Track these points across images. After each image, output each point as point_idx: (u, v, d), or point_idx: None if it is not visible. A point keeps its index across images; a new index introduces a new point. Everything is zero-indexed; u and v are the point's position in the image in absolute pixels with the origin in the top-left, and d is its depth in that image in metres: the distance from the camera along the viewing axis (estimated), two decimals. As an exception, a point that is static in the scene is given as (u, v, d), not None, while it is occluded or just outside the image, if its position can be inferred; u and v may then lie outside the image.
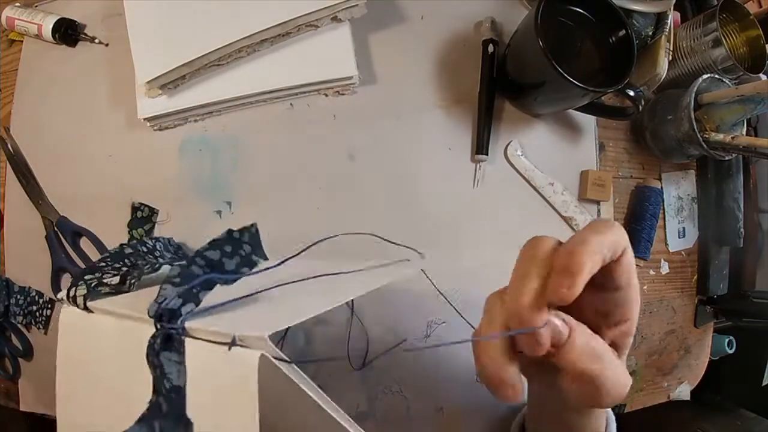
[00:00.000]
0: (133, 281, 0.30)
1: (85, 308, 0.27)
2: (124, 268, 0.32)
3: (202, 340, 0.22)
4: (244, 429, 0.20)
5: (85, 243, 0.48)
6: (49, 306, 0.48)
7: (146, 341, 0.23)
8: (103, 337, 0.26)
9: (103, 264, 0.32)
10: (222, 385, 0.21)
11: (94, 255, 0.48)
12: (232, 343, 0.21)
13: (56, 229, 0.48)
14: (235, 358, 0.20)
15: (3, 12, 0.49)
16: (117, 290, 0.29)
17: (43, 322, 0.48)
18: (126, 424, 0.21)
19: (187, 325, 0.22)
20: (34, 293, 0.48)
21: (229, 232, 0.25)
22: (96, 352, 0.27)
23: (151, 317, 0.23)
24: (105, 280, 0.29)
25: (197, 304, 0.23)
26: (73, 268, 0.47)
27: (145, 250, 0.38)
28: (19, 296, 0.48)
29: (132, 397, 0.24)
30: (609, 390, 0.24)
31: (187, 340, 0.22)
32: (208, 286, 0.24)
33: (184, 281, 0.23)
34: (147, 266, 0.33)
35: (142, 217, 0.47)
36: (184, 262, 0.24)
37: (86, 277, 0.29)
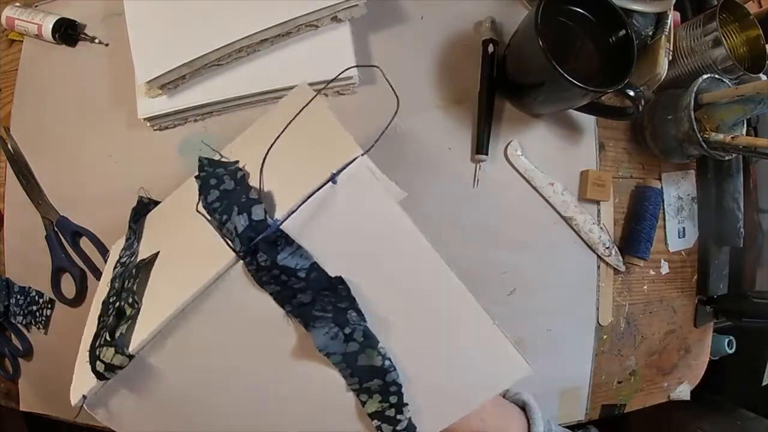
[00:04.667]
0: (130, 300, 0.30)
1: (130, 356, 0.27)
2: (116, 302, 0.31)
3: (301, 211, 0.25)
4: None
5: (85, 243, 0.48)
6: (49, 306, 0.48)
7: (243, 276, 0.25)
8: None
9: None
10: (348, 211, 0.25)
11: (94, 255, 0.48)
12: (332, 179, 0.24)
13: (56, 229, 0.48)
14: (344, 185, 0.25)
15: (3, 12, 0.49)
16: (125, 319, 0.29)
17: (43, 322, 0.48)
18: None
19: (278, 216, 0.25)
20: (34, 293, 0.48)
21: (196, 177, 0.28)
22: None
23: (240, 251, 0.25)
24: (109, 329, 0.29)
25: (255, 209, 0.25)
26: (73, 268, 0.47)
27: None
28: (19, 296, 0.48)
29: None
30: None
31: (292, 225, 0.25)
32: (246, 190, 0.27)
33: (227, 205, 0.26)
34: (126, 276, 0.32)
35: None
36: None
37: (97, 346, 0.28)
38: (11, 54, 0.51)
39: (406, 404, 0.30)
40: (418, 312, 0.29)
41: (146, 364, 0.27)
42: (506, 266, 0.51)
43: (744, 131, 0.52)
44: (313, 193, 0.25)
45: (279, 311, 0.27)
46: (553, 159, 0.53)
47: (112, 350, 0.26)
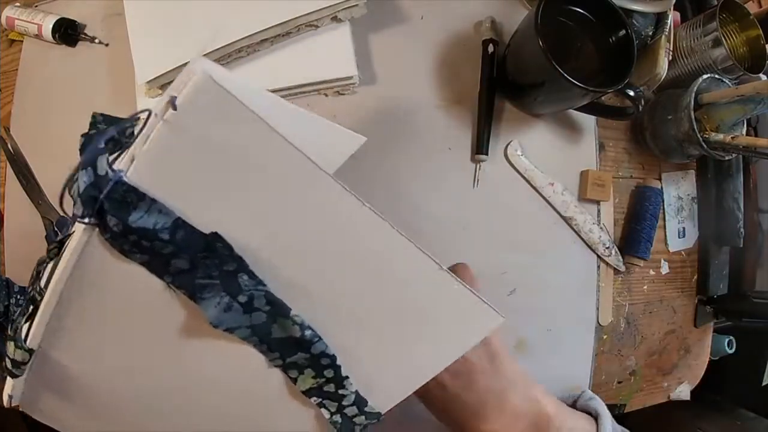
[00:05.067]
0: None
1: (29, 351, 0.23)
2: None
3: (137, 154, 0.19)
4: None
5: (85, 243, 0.48)
6: (49, 306, 0.48)
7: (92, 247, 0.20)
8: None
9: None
10: (198, 136, 0.19)
11: (94, 255, 0.48)
12: (173, 105, 0.18)
13: (56, 229, 0.48)
14: (191, 110, 0.18)
15: (3, 12, 0.49)
16: (32, 310, 0.25)
17: (43, 322, 0.48)
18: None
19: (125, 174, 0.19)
20: (34, 293, 0.48)
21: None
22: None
23: (82, 216, 0.20)
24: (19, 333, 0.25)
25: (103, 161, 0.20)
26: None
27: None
28: (19, 296, 0.48)
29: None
30: None
31: (144, 176, 0.19)
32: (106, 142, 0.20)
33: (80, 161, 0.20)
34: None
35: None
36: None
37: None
38: (11, 54, 0.51)
39: (347, 377, 0.26)
40: (341, 267, 0.24)
41: (51, 358, 0.24)
42: (506, 266, 0.51)
43: (744, 131, 0.52)
44: (153, 128, 0.19)
45: (161, 285, 0.22)
46: (553, 159, 0.53)
47: (12, 345, 0.23)
